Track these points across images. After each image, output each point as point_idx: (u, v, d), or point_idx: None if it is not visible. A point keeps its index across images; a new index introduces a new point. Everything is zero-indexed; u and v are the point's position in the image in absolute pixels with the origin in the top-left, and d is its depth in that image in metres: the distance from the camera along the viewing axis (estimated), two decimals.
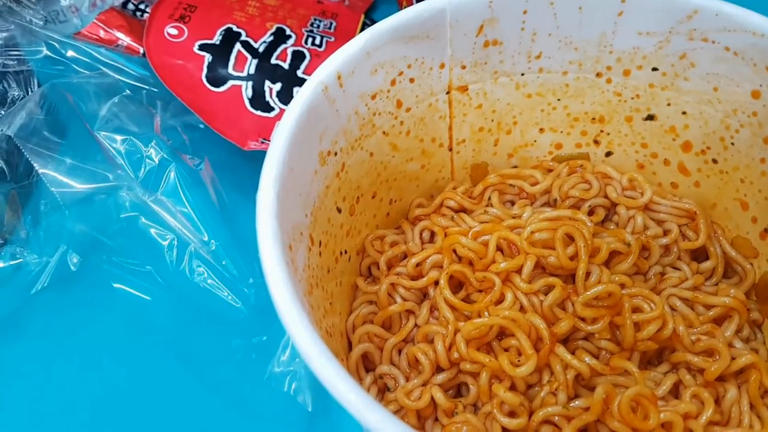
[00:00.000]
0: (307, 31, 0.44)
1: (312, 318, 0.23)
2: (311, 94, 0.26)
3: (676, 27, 0.29)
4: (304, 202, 0.26)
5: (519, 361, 0.27)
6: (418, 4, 0.29)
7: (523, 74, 0.32)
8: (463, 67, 0.31)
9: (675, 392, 0.28)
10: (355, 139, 0.30)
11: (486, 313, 0.28)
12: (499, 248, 0.31)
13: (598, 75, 0.31)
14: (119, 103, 0.38)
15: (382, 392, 0.29)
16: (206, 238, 0.35)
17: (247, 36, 0.42)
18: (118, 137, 0.37)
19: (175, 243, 0.35)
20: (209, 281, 0.35)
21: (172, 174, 0.36)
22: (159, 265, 0.36)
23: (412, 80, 0.30)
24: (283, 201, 0.23)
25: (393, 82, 0.30)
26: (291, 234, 0.24)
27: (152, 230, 0.36)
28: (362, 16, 0.48)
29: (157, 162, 0.36)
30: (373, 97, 0.29)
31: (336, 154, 0.29)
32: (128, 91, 0.38)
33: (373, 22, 0.47)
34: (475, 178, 0.36)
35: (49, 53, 0.40)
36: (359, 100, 0.29)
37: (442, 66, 0.31)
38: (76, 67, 0.40)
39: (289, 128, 0.25)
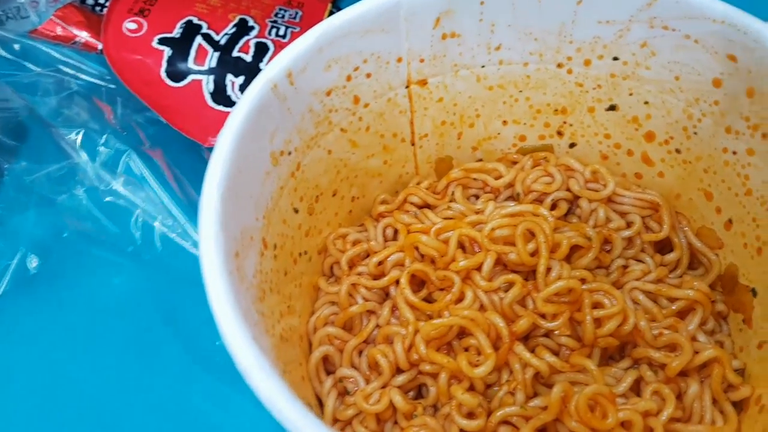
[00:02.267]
0: (270, 21, 0.43)
1: (260, 328, 0.22)
2: (259, 93, 0.25)
3: (636, 15, 0.28)
4: (256, 204, 0.26)
5: (478, 360, 0.27)
6: None
7: (483, 66, 0.31)
8: (422, 61, 0.30)
9: (637, 388, 0.27)
10: (310, 137, 0.29)
11: (446, 313, 0.28)
12: (462, 245, 0.30)
13: (559, 66, 0.31)
14: (74, 100, 0.37)
15: (343, 395, 0.29)
16: (170, 221, 0.35)
17: (208, 28, 0.41)
18: (74, 133, 0.36)
19: (140, 223, 0.35)
20: (178, 254, 0.35)
21: (130, 163, 0.36)
22: (125, 250, 0.36)
23: (368, 75, 0.30)
24: (228, 206, 0.23)
25: (348, 78, 0.29)
26: (239, 240, 0.23)
27: (114, 217, 0.36)
28: (329, 5, 0.47)
29: (113, 152, 0.36)
30: (328, 94, 0.29)
31: (290, 153, 0.28)
32: (82, 89, 0.37)
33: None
34: (440, 172, 0.35)
35: (2, 52, 0.39)
36: (313, 97, 0.28)
37: (400, 60, 0.30)
38: (31, 66, 0.39)
39: (235, 129, 0.24)
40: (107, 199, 0.35)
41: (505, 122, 0.33)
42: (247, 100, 0.25)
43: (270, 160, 0.26)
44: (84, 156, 0.35)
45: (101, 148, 0.35)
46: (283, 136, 0.27)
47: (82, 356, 0.34)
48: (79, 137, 0.36)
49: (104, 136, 0.35)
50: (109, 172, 0.36)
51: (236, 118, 0.24)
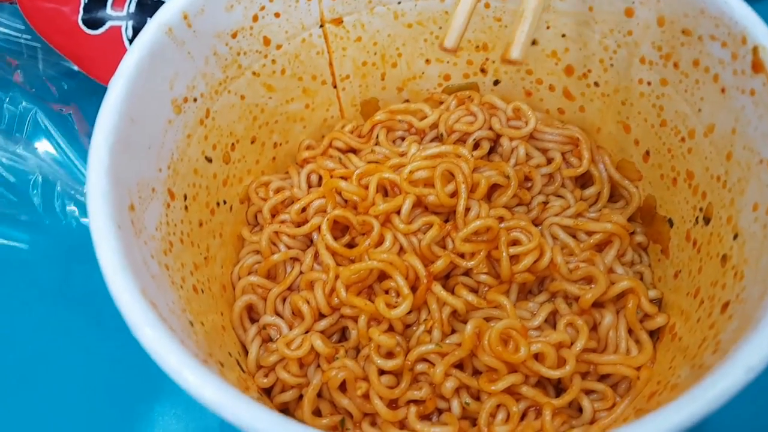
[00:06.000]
0: None
1: (162, 280, 0.22)
2: (152, 38, 0.24)
3: None
4: (157, 155, 0.25)
5: (396, 302, 0.27)
6: None
7: (399, 3, 0.30)
8: None
9: (554, 322, 0.28)
10: (218, 82, 0.28)
11: (367, 257, 0.28)
12: (384, 189, 0.30)
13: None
14: None
15: (267, 342, 0.29)
16: (74, 182, 0.34)
17: None
18: None
19: (40, 185, 0.34)
20: (83, 219, 0.34)
21: (37, 122, 0.34)
22: (30, 211, 0.35)
23: (277, 15, 0.28)
24: (120, 157, 0.22)
25: (255, 18, 0.28)
26: (135, 192, 0.23)
27: (19, 177, 0.34)
28: None
29: (18, 111, 0.34)
30: (234, 36, 0.28)
31: (195, 100, 0.27)
32: None
33: None
34: (366, 114, 0.35)
35: None
36: (216, 39, 0.27)
37: None
38: None
39: (125, 77, 0.23)
40: (8, 163, 0.34)
41: (428, 61, 0.33)
42: (138, 47, 0.24)
43: (171, 108, 0.26)
44: None
45: (6, 107, 0.34)
46: (185, 82, 0.26)
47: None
48: None
49: (9, 95, 0.34)
50: (13, 134, 0.34)
51: (126, 66, 0.23)
